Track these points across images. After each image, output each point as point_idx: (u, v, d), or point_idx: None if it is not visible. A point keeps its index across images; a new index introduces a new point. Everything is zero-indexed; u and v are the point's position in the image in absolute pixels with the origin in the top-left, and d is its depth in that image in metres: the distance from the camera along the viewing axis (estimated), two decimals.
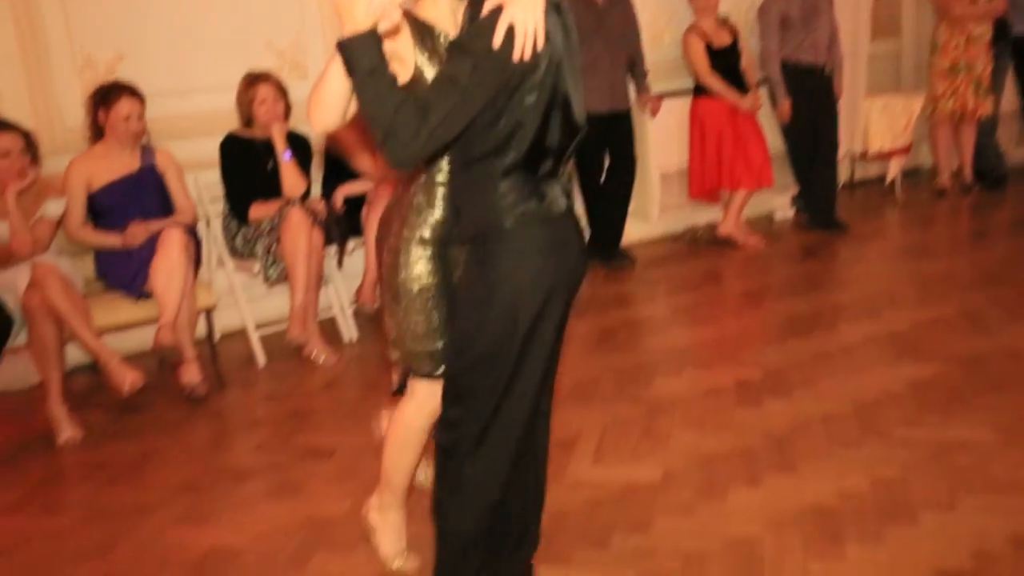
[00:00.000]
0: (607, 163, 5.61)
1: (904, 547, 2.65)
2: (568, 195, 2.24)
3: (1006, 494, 2.88)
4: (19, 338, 3.72)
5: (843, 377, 3.85)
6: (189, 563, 2.79)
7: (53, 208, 3.84)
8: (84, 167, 3.98)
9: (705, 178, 5.92)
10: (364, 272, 4.61)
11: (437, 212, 2.36)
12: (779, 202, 6.50)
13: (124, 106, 3.97)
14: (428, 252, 2.37)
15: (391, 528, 2.71)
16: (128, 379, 3.66)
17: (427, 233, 2.37)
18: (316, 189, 4.64)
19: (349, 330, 4.73)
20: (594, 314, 4.84)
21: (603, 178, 5.64)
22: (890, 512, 2.83)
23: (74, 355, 4.19)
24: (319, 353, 4.42)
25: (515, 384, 2.21)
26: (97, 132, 4.04)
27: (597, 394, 3.88)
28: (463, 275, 2.30)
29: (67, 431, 3.67)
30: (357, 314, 4.78)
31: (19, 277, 3.67)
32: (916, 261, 5.46)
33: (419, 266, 2.37)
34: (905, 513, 2.82)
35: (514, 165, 2.10)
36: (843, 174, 6.78)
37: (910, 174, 7.21)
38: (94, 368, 4.02)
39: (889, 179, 6.96)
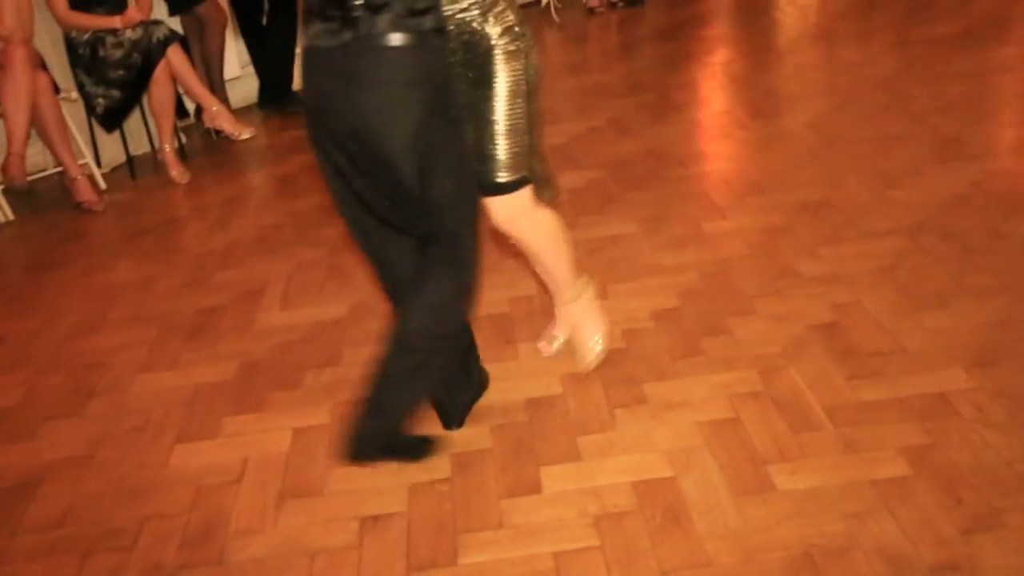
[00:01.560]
0: (267, 1, 5.41)
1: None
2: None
3: (647, 278, 3.24)
4: None
5: None
6: None
7: None
8: None
9: None
10: (8, 144, 4.21)
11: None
12: None
13: None
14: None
15: (590, 313, 2.77)
16: None
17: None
18: None
19: (0, 210, 4.36)
20: (271, 163, 4.77)
21: (264, 18, 5.44)
22: (553, 311, 3.08)
23: None
24: None
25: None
26: None
27: (281, 241, 3.89)
28: None
29: None
30: (7, 191, 4.40)
31: None
32: (573, 77, 5.79)
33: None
34: None
35: None
36: None
37: None
38: None
39: (544, 1, 7.23)
